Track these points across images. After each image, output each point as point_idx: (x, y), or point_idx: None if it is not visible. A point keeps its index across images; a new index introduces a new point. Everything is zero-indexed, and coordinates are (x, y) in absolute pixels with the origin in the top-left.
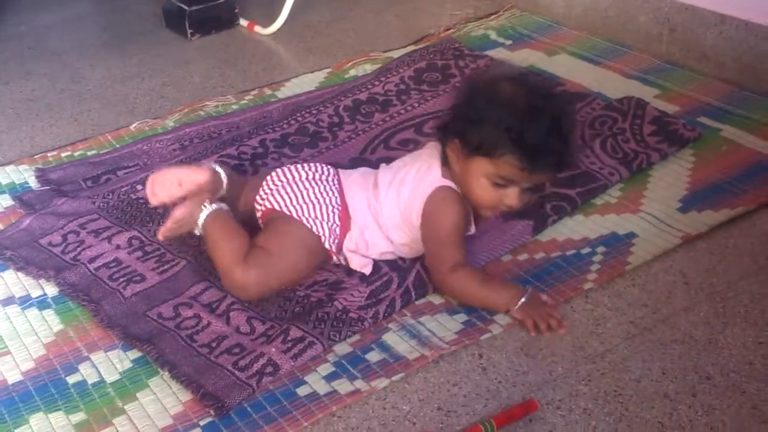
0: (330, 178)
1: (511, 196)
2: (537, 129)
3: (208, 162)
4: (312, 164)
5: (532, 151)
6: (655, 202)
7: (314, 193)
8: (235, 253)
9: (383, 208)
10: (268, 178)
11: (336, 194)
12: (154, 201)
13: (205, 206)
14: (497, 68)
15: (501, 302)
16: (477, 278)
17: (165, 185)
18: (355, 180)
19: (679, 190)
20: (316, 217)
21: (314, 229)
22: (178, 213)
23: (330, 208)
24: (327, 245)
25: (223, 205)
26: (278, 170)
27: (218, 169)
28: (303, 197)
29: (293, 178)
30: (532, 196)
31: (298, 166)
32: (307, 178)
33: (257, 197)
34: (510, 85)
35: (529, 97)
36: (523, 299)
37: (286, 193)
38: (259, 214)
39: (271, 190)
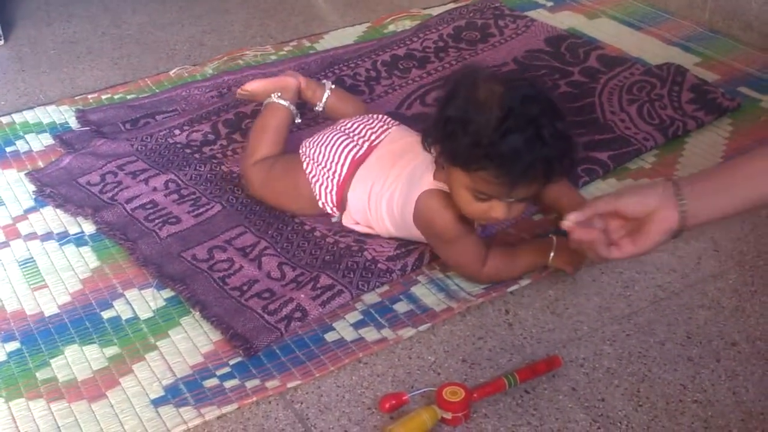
0: (364, 142)
1: (497, 210)
2: (511, 141)
3: (327, 81)
4: (374, 119)
5: (509, 166)
6: (689, 168)
7: (328, 155)
8: (254, 153)
9: (383, 199)
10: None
11: (347, 165)
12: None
13: (273, 96)
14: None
15: (535, 263)
16: (501, 258)
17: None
18: (384, 155)
19: (715, 158)
20: (317, 182)
21: (312, 187)
22: (258, 82)
23: (331, 178)
24: (321, 205)
25: (291, 107)
26: (345, 120)
27: (327, 87)
28: (317, 156)
29: (335, 128)
30: (525, 205)
31: (359, 119)
32: (341, 136)
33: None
34: (486, 87)
35: (504, 102)
36: (552, 253)
37: (314, 143)
38: None
39: (316, 133)
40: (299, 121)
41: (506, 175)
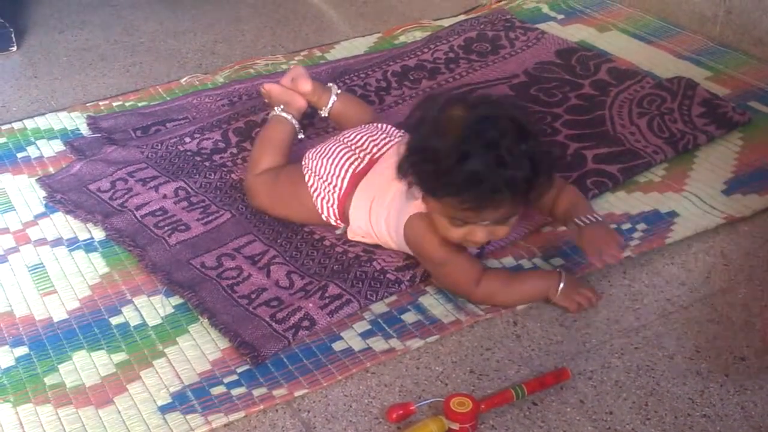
0: (366, 155)
1: (476, 234)
2: (469, 166)
3: (333, 85)
4: (379, 130)
5: (471, 191)
6: (699, 182)
7: (329, 168)
8: (258, 164)
9: (381, 218)
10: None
11: (347, 179)
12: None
13: (277, 109)
14: (446, 93)
15: (537, 294)
16: (500, 281)
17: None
18: (384, 168)
19: (725, 172)
20: (319, 195)
21: (314, 201)
22: (273, 87)
23: (332, 192)
24: (324, 218)
25: (294, 121)
26: (349, 131)
27: (333, 92)
28: (318, 169)
29: (338, 140)
30: (509, 226)
31: (363, 130)
32: (343, 149)
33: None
34: (448, 113)
35: (463, 127)
36: (561, 285)
37: (316, 155)
38: None
39: (319, 144)
40: (302, 137)
41: (470, 201)
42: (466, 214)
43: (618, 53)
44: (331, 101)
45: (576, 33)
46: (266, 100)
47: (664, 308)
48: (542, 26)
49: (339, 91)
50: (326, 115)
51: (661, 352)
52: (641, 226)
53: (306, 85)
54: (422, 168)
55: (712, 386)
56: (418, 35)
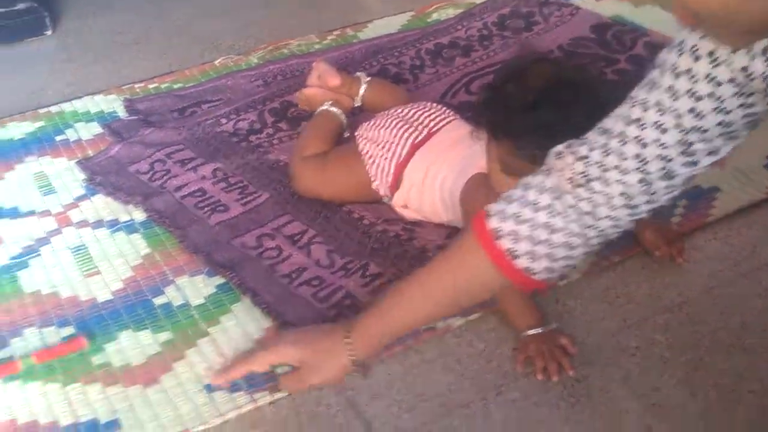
0: (423, 128)
1: None
2: (533, 117)
3: (362, 74)
4: (434, 108)
5: (528, 141)
6: (741, 156)
7: (388, 137)
8: (305, 149)
9: (437, 178)
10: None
11: (407, 147)
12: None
13: (327, 104)
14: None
15: (521, 320)
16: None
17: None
18: (444, 140)
19: (767, 146)
20: (374, 162)
21: (368, 168)
22: (315, 90)
23: (389, 159)
24: (374, 186)
25: (343, 116)
26: (400, 108)
27: (363, 81)
28: (376, 138)
29: (392, 114)
30: None
31: (417, 106)
32: (399, 122)
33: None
34: (538, 66)
35: (545, 82)
36: (540, 329)
37: (372, 126)
38: None
39: (373, 118)
40: (347, 135)
41: (523, 148)
42: (519, 162)
43: (653, 27)
44: (362, 90)
45: (610, 8)
46: (304, 107)
47: (707, 284)
48: (576, 1)
49: (368, 79)
50: (359, 104)
51: (705, 328)
52: (683, 202)
53: (335, 80)
54: (492, 106)
55: (759, 361)
56: (451, 12)
